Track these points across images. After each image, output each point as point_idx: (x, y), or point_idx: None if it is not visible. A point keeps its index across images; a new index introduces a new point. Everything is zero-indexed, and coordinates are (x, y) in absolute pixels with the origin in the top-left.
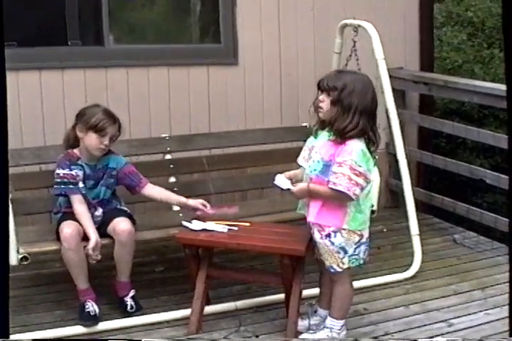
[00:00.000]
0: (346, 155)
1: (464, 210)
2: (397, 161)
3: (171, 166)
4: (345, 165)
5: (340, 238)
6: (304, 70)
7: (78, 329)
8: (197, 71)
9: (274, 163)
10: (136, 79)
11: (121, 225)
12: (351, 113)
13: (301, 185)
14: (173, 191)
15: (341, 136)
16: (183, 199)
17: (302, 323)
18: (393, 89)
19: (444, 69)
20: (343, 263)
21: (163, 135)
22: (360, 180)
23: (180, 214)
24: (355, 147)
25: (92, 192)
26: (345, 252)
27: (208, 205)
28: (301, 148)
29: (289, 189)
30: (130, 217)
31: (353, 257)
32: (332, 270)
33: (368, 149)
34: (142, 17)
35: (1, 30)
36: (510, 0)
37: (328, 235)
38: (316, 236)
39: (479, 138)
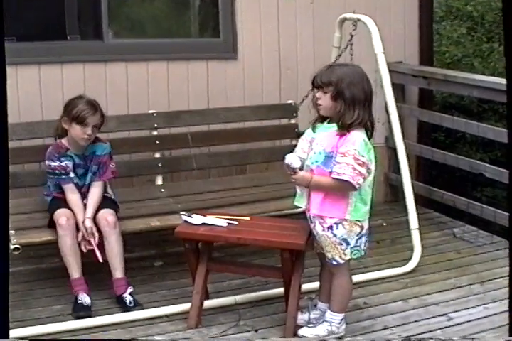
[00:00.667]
0: (350, 145)
1: (463, 204)
2: (396, 155)
3: (157, 142)
4: (348, 154)
5: (342, 229)
6: (303, 65)
7: (77, 324)
8: (196, 65)
9: (258, 139)
10: (135, 74)
11: (105, 217)
12: (356, 105)
13: (305, 173)
14: (158, 167)
15: (346, 128)
16: (86, 215)
17: (302, 317)
18: (392, 84)
19: (444, 64)
20: (345, 255)
21: (151, 111)
22: (363, 170)
23: (162, 190)
24: (358, 137)
25: (83, 179)
26: (348, 244)
27: (92, 241)
28: (285, 126)
29: (289, 164)
30: (114, 203)
31: (355, 248)
32: (334, 262)
33: (368, 138)
34: (141, 11)
35: (1, 26)
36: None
37: (330, 227)
38: (318, 228)
39: (479, 133)
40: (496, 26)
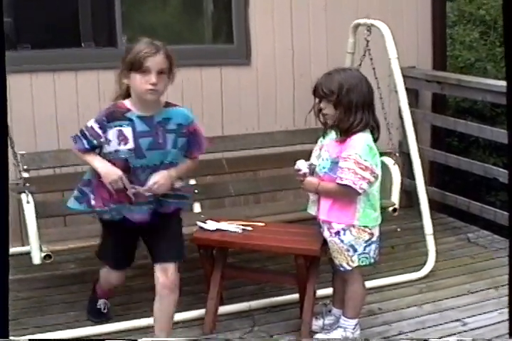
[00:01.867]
0: (351, 149)
1: (477, 209)
2: (410, 160)
3: None
4: (349, 159)
5: (349, 236)
6: (316, 71)
7: (93, 330)
8: (210, 71)
9: (289, 165)
10: None
11: (166, 271)
12: (353, 110)
13: (312, 179)
14: (194, 193)
15: (347, 134)
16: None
17: (316, 323)
18: (406, 89)
19: (456, 68)
20: (352, 262)
21: None
22: (367, 174)
23: (202, 216)
24: (360, 141)
25: (150, 155)
26: (355, 250)
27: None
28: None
29: (300, 170)
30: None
31: (363, 256)
32: (342, 268)
33: (374, 140)
34: (155, 18)
35: (1, 26)
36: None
37: (338, 233)
38: (326, 234)
39: (492, 137)
40: None
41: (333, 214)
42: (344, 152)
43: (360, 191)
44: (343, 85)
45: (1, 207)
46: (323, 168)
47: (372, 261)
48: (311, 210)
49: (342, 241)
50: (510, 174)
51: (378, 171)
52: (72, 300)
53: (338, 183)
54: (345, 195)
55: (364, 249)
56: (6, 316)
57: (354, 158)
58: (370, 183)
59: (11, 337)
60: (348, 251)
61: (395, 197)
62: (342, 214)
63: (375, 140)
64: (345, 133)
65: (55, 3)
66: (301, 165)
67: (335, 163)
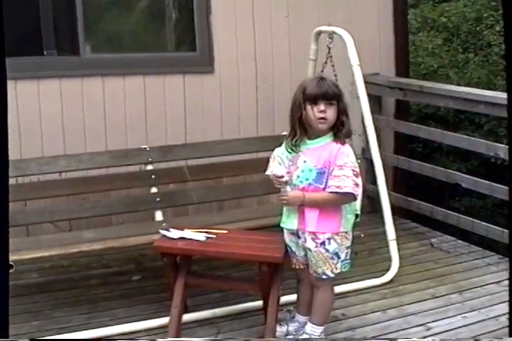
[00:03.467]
0: (345, 157)
1: (441, 214)
2: (373, 166)
3: (153, 177)
4: (346, 167)
5: (334, 244)
6: (279, 78)
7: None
8: (173, 79)
9: (252, 172)
10: (112, 88)
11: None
12: (347, 115)
13: (296, 192)
14: (155, 202)
15: (344, 138)
16: None
17: (280, 330)
18: (369, 95)
19: (419, 75)
20: (336, 269)
21: (144, 146)
22: (360, 181)
23: (164, 224)
24: (349, 149)
25: None
26: (339, 257)
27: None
28: None
29: (283, 176)
30: None
31: (345, 262)
32: (324, 276)
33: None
34: (118, 26)
35: (1, 27)
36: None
37: (323, 243)
38: (310, 245)
39: (455, 143)
40: (472, 37)
41: (321, 224)
42: (339, 160)
43: (356, 197)
44: (341, 90)
45: (1, 208)
46: (307, 179)
47: (350, 265)
48: (289, 225)
49: (327, 250)
50: (511, 189)
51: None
52: (35, 309)
53: (333, 192)
54: (341, 202)
55: (346, 255)
56: (6, 317)
57: (350, 165)
58: (359, 189)
59: (11, 337)
60: (333, 259)
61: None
62: (329, 223)
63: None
64: (342, 137)
65: (15, 10)
66: (281, 171)
67: (321, 174)
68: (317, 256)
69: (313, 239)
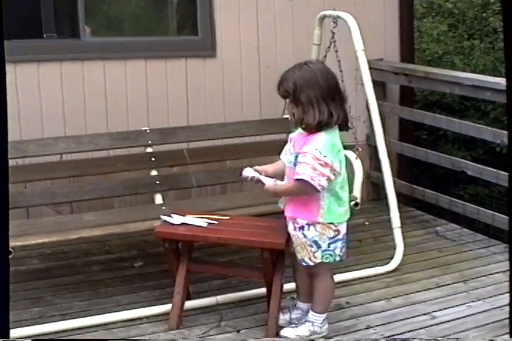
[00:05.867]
0: (312, 144)
1: (446, 202)
2: (377, 153)
3: (153, 159)
4: (308, 154)
5: (313, 231)
6: (282, 62)
7: (57, 326)
8: (175, 63)
9: (255, 155)
10: (113, 72)
11: None
12: (314, 105)
13: (268, 186)
14: (155, 184)
15: (314, 129)
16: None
17: (283, 317)
18: (373, 81)
19: (424, 61)
20: (315, 257)
21: (144, 128)
22: (326, 171)
23: (164, 208)
24: (322, 137)
25: None
26: (319, 246)
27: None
28: (281, 141)
29: (254, 177)
30: None
31: (327, 253)
32: (304, 263)
33: (342, 130)
34: (119, 9)
35: (1, 26)
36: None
37: (302, 228)
38: (290, 227)
39: (461, 130)
40: (478, 23)
41: (298, 210)
42: (304, 147)
43: (318, 187)
44: (297, 83)
45: (1, 204)
46: (290, 162)
47: (337, 258)
48: (281, 204)
49: (305, 236)
50: (510, 176)
51: (342, 168)
52: (37, 296)
53: (295, 179)
54: (303, 191)
55: (328, 246)
56: (6, 316)
57: (313, 153)
58: (329, 180)
59: (12, 337)
60: (311, 246)
61: (357, 192)
62: (306, 210)
63: (346, 130)
64: (312, 127)
65: None
66: (248, 172)
67: (296, 158)
68: (295, 240)
69: (293, 223)
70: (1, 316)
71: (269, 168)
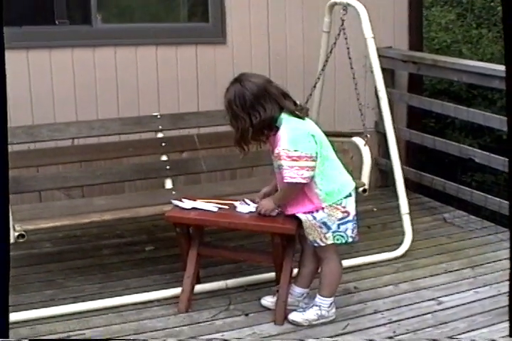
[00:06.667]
0: (280, 144)
1: (453, 189)
2: (386, 140)
3: (163, 144)
4: (280, 155)
5: (322, 213)
6: (292, 50)
7: (69, 308)
8: (185, 50)
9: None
10: (124, 58)
11: None
12: (251, 110)
13: (265, 202)
14: (166, 169)
15: (269, 132)
16: None
17: (272, 300)
18: (382, 69)
19: (432, 50)
20: (326, 238)
21: (155, 113)
22: (303, 163)
23: (174, 192)
24: (284, 134)
25: None
26: (328, 228)
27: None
28: None
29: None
30: None
31: (338, 234)
32: (316, 244)
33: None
34: None
35: (1, 25)
36: None
37: (310, 211)
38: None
39: (468, 118)
40: (486, 12)
41: (298, 207)
42: (275, 149)
43: (303, 181)
44: (227, 103)
45: (1, 198)
46: (275, 167)
47: (349, 239)
48: None
49: (315, 218)
50: (511, 164)
51: (324, 148)
52: (48, 279)
53: (286, 182)
54: (295, 189)
55: (338, 227)
56: (6, 316)
57: (282, 154)
58: (311, 169)
59: (11, 338)
60: (321, 227)
61: (365, 178)
62: (307, 203)
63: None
64: (266, 132)
65: None
66: (242, 209)
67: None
68: (305, 222)
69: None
70: (1, 316)
71: (265, 188)
